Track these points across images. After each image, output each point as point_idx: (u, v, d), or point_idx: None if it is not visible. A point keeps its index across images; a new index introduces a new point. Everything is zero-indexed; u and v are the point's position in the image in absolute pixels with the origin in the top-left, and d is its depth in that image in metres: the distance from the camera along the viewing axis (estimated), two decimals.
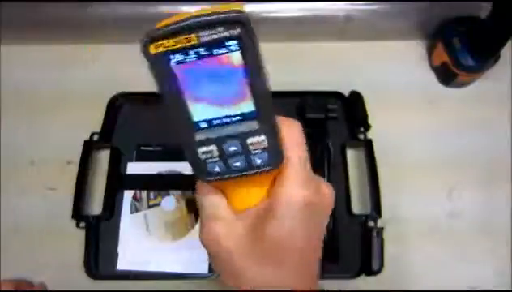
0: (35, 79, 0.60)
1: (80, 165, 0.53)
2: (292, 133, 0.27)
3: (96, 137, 0.55)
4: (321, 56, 0.61)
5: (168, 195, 0.53)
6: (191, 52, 0.22)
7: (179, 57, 0.23)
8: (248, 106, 0.24)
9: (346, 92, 0.57)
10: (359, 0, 0.58)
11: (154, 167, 0.54)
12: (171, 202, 0.53)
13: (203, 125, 0.25)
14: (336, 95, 0.57)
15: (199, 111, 0.25)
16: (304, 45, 0.61)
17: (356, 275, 0.50)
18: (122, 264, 0.51)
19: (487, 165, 0.55)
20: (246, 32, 0.22)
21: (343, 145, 0.55)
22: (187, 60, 0.23)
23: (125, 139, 0.56)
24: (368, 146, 0.54)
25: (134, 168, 0.54)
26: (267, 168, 0.26)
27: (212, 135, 0.25)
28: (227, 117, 0.25)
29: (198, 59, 0.23)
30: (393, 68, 0.60)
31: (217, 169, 0.26)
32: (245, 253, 0.26)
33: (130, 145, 0.55)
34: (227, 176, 0.27)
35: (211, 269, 0.50)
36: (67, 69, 0.61)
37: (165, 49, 0.22)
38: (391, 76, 0.60)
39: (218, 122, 0.25)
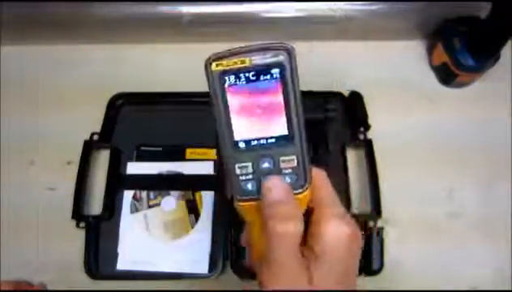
0: (35, 79, 0.61)
1: (80, 165, 0.53)
2: (319, 176, 0.31)
3: (96, 137, 0.55)
4: (320, 56, 0.61)
5: (168, 195, 0.53)
6: (242, 76, 0.27)
7: (232, 79, 0.27)
8: (282, 130, 0.28)
9: (346, 92, 0.57)
10: (358, 0, 0.58)
11: (154, 167, 0.54)
12: (171, 202, 0.53)
13: (242, 144, 0.29)
14: (336, 95, 0.57)
15: (240, 131, 0.28)
16: (303, 45, 0.61)
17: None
18: (122, 264, 0.51)
19: (487, 165, 0.55)
20: (289, 59, 0.27)
21: (343, 145, 0.55)
22: (238, 83, 0.27)
23: (125, 139, 0.56)
24: (368, 146, 0.54)
25: (134, 168, 0.54)
26: (296, 190, 0.29)
27: (249, 153, 0.29)
28: (263, 138, 0.28)
29: (247, 83, 0.27)
30: (393, 68, 0.60)
31: (250, 187, 0.29)
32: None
33: (130, 145, 0.55)
34: (258, 196, 0.29)
35: (211, 269, 0.50)
36: (67, 69, 0.61)
37: (223, 68, 0.27)
38: (391, 76, 0.60)
39: (255, 142, 0.28)
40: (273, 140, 0.28)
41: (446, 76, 0.59)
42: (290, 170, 0.29)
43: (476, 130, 0.57)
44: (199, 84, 0.57)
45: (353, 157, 0.56)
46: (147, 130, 0.56)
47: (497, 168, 0.55)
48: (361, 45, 0.62)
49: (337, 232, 0.29)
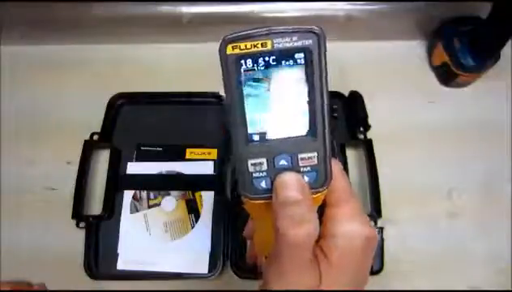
0: (34, 79, 0.60)
1: (80, 165, 0.53)
2: (334, 168, 0.27)
3: (95, 137, 0.55)
4: None
5: (168, 195, 0.53)
6: (261, 60, 0.24)
7: (250, 64, 0.24)
8: (304, 123, 0.25)
9: (346, 92, 0.57)
10: (359, 0, 0.58)
11: (154, 167, 0.54)
12: (171, 202, 0.53)
13: (256, 137, 0.25)
14: (336, 95, 0.57)
15: (255, 123, 0.25)
16: None
17: None
18: (122, 264, 0.50)
19: (487, 164, 0.55)
20: (318, 44, 0.24)
21: (343, 145, 0.55)
22: (256, 68, 0.24)
23: (125, 139, 0.56)
24: (368, 146, 0.54)
25: (134, 168, 0.54)
26: (314, 189, 0.26)
27: (264, 147, 0.25)
28: (281, 132, 0.25)
29: (266, 68, 0.24)
30: (393, 68, 0.60)
31: (263, 185, 0.26)
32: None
33: (130, 145, 0.55)
34: (272, 195, 0.26)
35: (211, 269, 0.50)
36: (67, 69, 0.61)
37: (240, 52, 0.23)
38: (391, 76, 0.60)
39: (272, 137, 0.25)
40: (292, 135, 0.25)
41: (446, 76, 0.59)
42: (309, 168, 0.26)
43: (476, 130, 0.57)
44: (199, 84, 0.58)
45: (353, 157, 0.56)
46: (147, 130, 0.56)
47: (497, 168, 0.55)
48: (361, 45, 0.62)
49: (351, 233, 0.27)
